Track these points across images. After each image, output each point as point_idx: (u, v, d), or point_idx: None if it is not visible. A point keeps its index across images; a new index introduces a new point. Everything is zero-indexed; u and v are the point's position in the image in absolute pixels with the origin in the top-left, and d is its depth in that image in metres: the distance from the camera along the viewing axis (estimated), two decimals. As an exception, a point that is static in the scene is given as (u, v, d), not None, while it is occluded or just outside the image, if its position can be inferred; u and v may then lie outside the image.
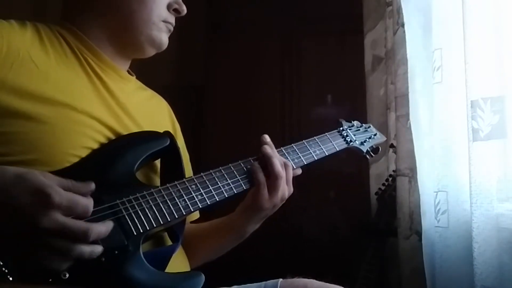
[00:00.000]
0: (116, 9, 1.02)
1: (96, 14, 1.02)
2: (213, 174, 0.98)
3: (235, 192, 0.99)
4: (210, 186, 0.95)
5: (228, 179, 0.98)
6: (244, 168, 1.02)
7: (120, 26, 1.02)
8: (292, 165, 1.08)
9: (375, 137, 1.31)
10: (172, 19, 1.07)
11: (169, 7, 1.05)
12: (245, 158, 1.04)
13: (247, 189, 1.02)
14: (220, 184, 0.97)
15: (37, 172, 0.74)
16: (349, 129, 1.27)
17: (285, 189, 1.05)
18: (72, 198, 0.74)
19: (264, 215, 1.07)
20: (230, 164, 1.01)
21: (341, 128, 1.26)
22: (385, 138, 1.38)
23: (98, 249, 0.76)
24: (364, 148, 1.27)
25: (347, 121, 1.29)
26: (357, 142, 1.26)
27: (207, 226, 1.17)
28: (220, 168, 0.99)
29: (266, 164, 1.03)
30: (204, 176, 0.96)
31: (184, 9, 1.07)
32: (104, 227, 0.76)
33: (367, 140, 1.28)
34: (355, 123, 1.31)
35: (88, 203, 0.76)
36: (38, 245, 0.72)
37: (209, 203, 0.94)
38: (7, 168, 0.75)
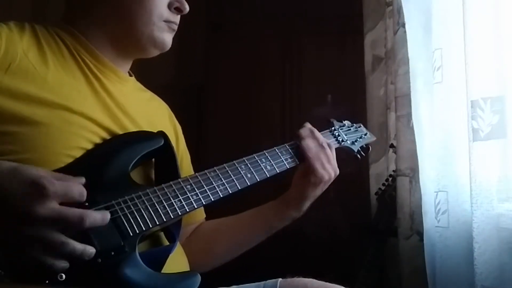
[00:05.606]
0: (116, 12, 1.02)
1: (98, 17, 1.02)
2: (207, 174, 0.97)
3: (230, 192, 0.99)
4: (205, 186, 0.95)
5: (222, 179, 0.98)
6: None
7: (121, 29, 1.02)
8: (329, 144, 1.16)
9: (365, 136, 1.32)
10: (174, 18, 1.05)
11: (170, 5, 1.04)
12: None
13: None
14: (214, 184, 0.97)
15: (30, 166, 0.76)
16: (340, 129, 1.27)
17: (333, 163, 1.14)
18: (66, 185, 0.76)
19: (319, 192, 1.14)
20: (224, 164, 1.01)
21: (332, 128, 1.26)
22: (375, 138, 1.38)
23: (91, 249, 0.76)
24: (355, 148, 1.27)
25: (338, 120, 1.30)
26: (348, 141, 1.26)
27: (249, 214, 1.19)
28: (215, 168, 0.99)
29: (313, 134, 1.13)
30: (198, 176, 0.96)
31: (186, 7, 1.06)
32: (100, 215, 0.78)
33: (358, 139, 1.29)
34: (346, 122, 1.31)
35: (81, 187, 0.77)
36: (32, 239, 0.72)
37: (204, 203, 0.94)
38: (0, 162, 0.77)
